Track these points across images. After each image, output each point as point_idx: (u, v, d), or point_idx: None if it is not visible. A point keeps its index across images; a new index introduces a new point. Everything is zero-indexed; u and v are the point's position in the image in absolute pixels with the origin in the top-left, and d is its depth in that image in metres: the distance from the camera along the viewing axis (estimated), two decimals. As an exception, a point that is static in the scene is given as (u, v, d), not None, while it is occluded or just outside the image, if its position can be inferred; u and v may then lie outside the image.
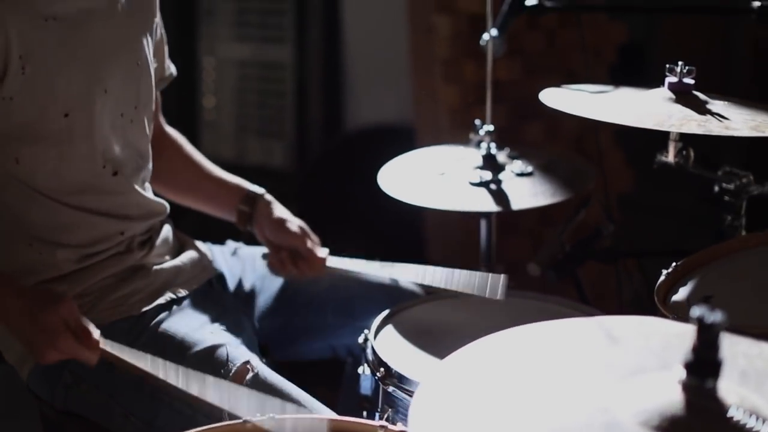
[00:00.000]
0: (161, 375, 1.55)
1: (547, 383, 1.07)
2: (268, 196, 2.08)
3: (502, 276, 1.85)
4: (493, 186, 2.09)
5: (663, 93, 1.80)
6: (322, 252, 2.03)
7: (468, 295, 1.99)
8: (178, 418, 1.64)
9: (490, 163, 2.15)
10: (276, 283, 2.08)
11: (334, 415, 1.53)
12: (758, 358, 1.09)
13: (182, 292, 1.85)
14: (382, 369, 1.75)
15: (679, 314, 1.60)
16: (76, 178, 1.74)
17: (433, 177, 2.18)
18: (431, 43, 3.27)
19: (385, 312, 1.93)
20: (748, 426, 0.95)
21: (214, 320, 1.83)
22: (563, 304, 1.98)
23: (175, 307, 1.84)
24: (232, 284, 2.05)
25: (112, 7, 1.77)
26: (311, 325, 2.07)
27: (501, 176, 2.13)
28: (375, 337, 1.85)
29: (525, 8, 2.22)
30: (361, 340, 1.87)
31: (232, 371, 1.66)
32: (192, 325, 1.78)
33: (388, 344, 1.83)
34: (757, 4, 2.06)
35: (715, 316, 0.95)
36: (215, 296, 1.96)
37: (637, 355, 1.12)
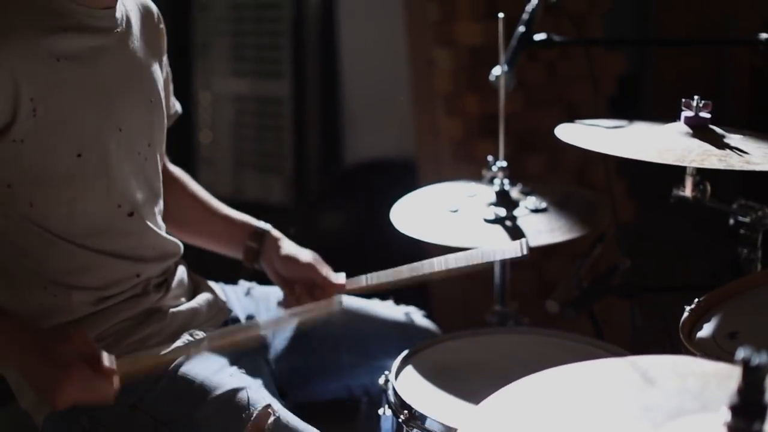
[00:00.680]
0: (188, 353, 1.69)
1: (584, 428, 1.06)
2: (276, 232, 2.07)
3: (523, 239, 1.87)
4: (508, 223, 2.09)
5: (679, 127, 1.80)
6: (339, 278, 2.01)
7: (486, 332, 1.99)
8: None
9: (503, 199, 2.14)
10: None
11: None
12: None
13: (199, 335, 1.83)
14: (405, 411, 1.73)
15: (707, 351, 1.58)
16: (91, 220, 1.72)
17: (445, 214, 2.16)
18: (432, 76, 3.28)
19: (404, 352, 1.91)
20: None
21: (232, 363, 1.80)
22: (580, 340, 1.97)
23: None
24: (246, 326, 2.03)
25: (123, 44, 1.76)
26: (326, 365, 2.05)
27: (515, 212, 2.12)
28: (396, 378, 1.82)
29: (534, 43, 2.21)
30: (381, 381, 1.84)
31: (254, 415, 1.64)
32: (211, 368, 1.75)
33: (410, 385, 1.81)
34: (765, 36, 2.09)
35: (761, 358, 0.94)
36: (231, 338, 1.93)
37: (674, 397, 1.11)
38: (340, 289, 1.99)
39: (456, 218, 2.14)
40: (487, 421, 1.13)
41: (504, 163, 2.16)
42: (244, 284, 2.14)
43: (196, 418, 1.65)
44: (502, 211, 2.11)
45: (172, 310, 1.83)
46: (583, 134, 1.89)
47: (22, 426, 1.86)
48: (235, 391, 1.68)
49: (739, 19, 4.16)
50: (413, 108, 3.41)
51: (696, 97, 1.79)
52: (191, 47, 4.05)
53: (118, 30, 1.74)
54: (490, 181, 2.18)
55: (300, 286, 2.00)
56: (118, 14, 1.74)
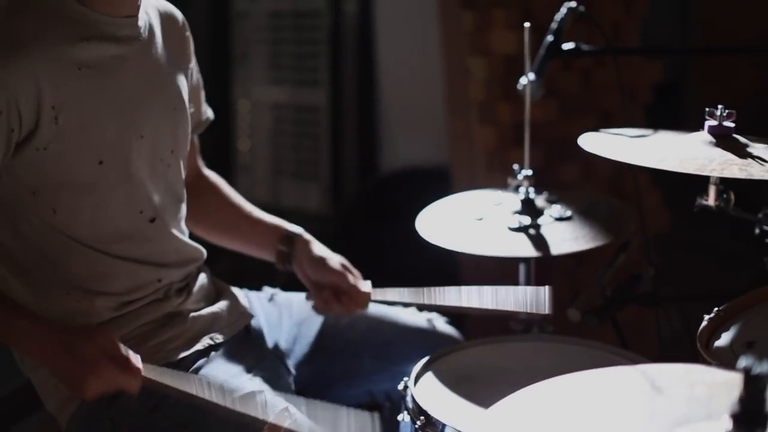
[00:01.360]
0: (206, 396, 1.60)
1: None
2: (307, 235, 2.09)
3: (546, 288, 1.85)
4: (532, 231, 2.08)
5: (703, 136, 1.79)
6: (366, 286, 2.03)
7: (508, 339, 1.99)
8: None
9: (528, 207, 2.14)
10: (313, 329, 2.08)
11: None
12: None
13: (219, 338, 1.85)
14: (422, 417, 1.73)
15: (723, 361, 1.57)
16: (113, 226, 1.75)
17: (471, 222, 2.17)
18: (466, 85, 3.28)
19: (425, 359, 1.91)
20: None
21: (251, 367, 1.82)
22: (603, 348, 1.96)
23: (212, 353, 1.83)
24: (268, 331, 2.04)
25: (145, 53, 1.78)
26: (348, 370, 2.06)
27: (540, 221, 2.12)
28: (415, 384, 1.83)
29: (562, 51, 2.21)
30: (401, 387, 1.85)
31: (271, 418, 1.65)
32: (230, 372, 1.77)
33: (428, 392, 1.81)
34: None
35: (763, 367, 0.94)
36: (252, 343, 1.95)
37: (681, 404, 1.11)
38: (366, 297, 2.02)
39: (480, 226, 2.14)
40: (494, 426, 1.13)
41: (529, 172, 2.16)
42: (267, 290, 2.16)
43: (214, 421, 1.67)
44: (526, 220, 2.11)
45: (192, 314, 1.85)
46: (607, 143, 1.89)
47: (47, 428, 1.90)
48: (252, 394, 1.69)
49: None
50: (448, 116, 3.42)
51: (720, 106, 1.77)
52: (230, 56, 4.09)
53: (141, 38, 1.76)
54: (516, 190, 2.18)
55: (328, 291, 2.01)
56: (141, 23, 1.76)
